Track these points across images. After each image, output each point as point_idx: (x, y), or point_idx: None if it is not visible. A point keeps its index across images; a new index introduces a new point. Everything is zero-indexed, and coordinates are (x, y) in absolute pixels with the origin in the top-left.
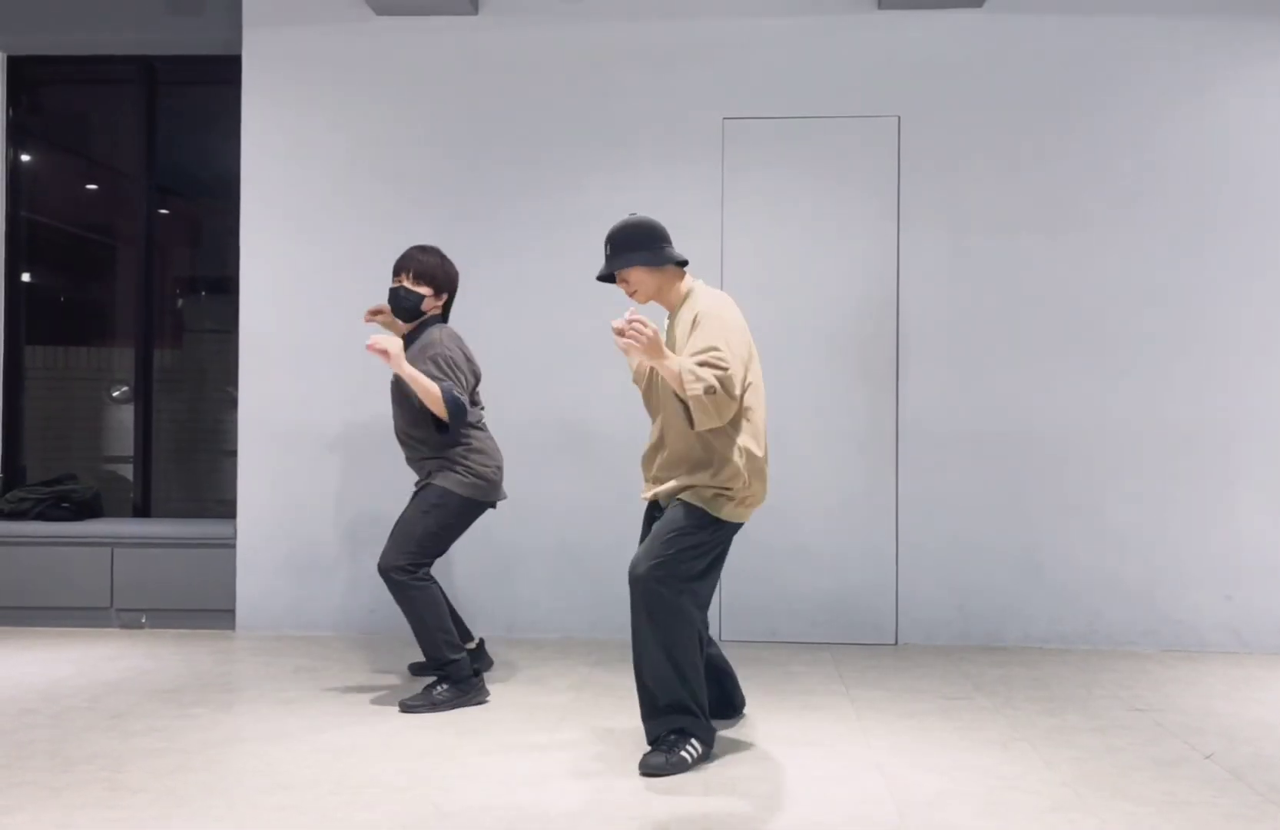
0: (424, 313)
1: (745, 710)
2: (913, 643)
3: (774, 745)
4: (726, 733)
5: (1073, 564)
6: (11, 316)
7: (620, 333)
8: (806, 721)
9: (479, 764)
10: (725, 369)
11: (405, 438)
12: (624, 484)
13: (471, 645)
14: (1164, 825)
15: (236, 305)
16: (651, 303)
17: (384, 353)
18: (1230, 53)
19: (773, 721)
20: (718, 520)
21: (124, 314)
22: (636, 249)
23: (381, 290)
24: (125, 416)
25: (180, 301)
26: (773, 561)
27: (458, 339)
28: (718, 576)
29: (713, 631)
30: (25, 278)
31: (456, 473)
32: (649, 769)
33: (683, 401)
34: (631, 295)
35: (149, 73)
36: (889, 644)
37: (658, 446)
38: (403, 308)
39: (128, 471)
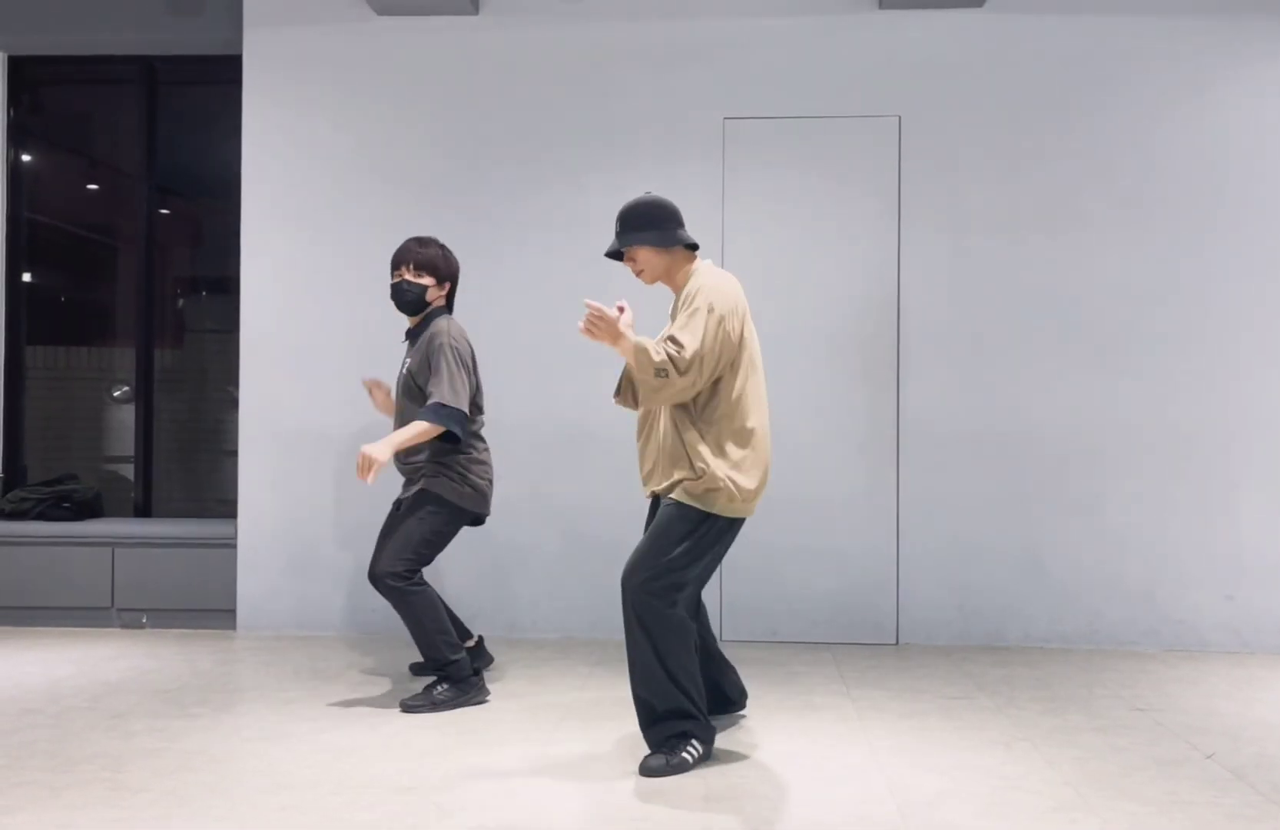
0: (429, 304)
1: (747, 708)
2: (914, 642)
3: (775, 745)
4: (727, 733)
5: (1074, 564)
6: (12, 316)
7: (582, 329)
8: (807, 722)
9: (479, 764)
10: (681, 349)
11: None
12: (624, 484)
13: (470, 643)
14: (1166, 825)
15: (237, 305)
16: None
17: (369, 464)
18: (1230, 53)
19: (773, 721)
20: (711, 516)
21: (125, 314)
22: (645, 228)
23: (382, 289)
24: (126, 416)
25: (181, 301)
26: (773, 561)
27: (465, 336)
28: (715, 565)
29: (713, 631)
30: (26, 278)
31: (452, 480)
32: (650, 771)
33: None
34: (638, 275)
35: (149, 73)
36: (890, 644)
37: (645, 441)
38: (406, 301)
39: (128, 471)
